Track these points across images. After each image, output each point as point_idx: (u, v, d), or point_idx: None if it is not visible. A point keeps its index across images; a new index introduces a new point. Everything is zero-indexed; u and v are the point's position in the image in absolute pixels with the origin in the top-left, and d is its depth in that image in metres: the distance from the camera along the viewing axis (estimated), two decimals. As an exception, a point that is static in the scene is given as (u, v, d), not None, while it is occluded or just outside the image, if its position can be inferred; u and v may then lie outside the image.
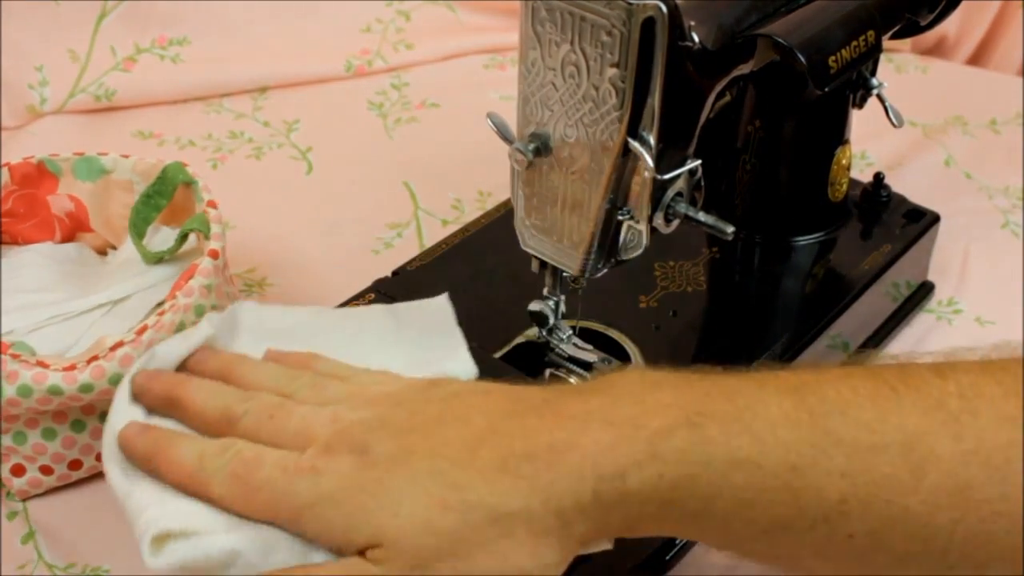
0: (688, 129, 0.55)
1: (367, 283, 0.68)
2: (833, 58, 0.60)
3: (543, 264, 0.60)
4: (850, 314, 0.70)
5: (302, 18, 1.05)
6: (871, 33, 0.63)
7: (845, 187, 0.75)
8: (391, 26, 1.08)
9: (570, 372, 0.62)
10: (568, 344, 0.62)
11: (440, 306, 0.60)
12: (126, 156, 0.73)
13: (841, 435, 0.43)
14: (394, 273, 0.70)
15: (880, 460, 0.42)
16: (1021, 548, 0.42)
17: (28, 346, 0.65)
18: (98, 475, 0.65)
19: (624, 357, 0.64)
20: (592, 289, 0.61)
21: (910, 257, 0.75)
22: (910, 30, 0.71)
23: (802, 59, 0.58)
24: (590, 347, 0.62)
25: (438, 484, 0.44)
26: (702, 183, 0.56)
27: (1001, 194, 0.91)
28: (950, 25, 1.11)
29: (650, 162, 0.52)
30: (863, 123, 0.74)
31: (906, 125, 0.70)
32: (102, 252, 0.76)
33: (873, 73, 0.69)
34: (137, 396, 0.53)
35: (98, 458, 0.64)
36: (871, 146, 0.94)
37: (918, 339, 0.77)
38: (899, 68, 1.08)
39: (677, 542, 0.61)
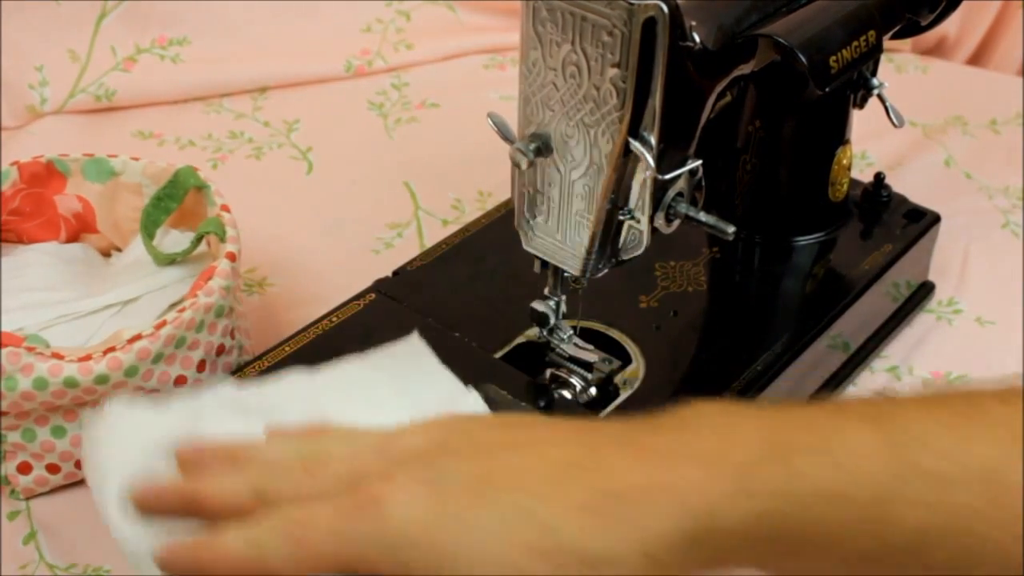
0: (689, 129, 0.55)
1: (367, 283, 0.68)
2: (834, 58, 0.60)
3: (544, 264, 0.60)
4: (850, 314, 0.70)
5: (302, 18, 1.05)
6: (872, 33, 0.63)
7: (846, 187, 0.75)
8: (391, 26, 1.08)
9: (571, 372, 0.62)
10: (569, 344, 0.62)
11: (417, 348, 0.53)
12: (136, 159, 0.72)
13: (924, 466, 0.42)
14: (394, 273, 0.70)
15: (960, 490, 0.42)
16: None
17: (42, 339, 0.63)
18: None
19: (625, 357, 0.64)
20: (593, 289, 0.61)
21: (910, 257, 0.75)
22: (910, 30, 0.71)
23: (803, 59, 0.58)
24: (591, 347, 0.63)
25: (527, 525, 0.41)
26: (703, 183, 0.56)
27: (1001, 194, 0.91)
28: (950, 25, 1.11)
29: (651, 162, 0.52)
30: (863, 123, 0.74)
31: (906, 125, 0.70)
32: (106, 254, 0.76)
33: (874, 73, 0.69)
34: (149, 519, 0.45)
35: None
36: (871, 146, 0.94)
37: (918, 339, 0.77)
38: (899, 68, 1.08)
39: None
